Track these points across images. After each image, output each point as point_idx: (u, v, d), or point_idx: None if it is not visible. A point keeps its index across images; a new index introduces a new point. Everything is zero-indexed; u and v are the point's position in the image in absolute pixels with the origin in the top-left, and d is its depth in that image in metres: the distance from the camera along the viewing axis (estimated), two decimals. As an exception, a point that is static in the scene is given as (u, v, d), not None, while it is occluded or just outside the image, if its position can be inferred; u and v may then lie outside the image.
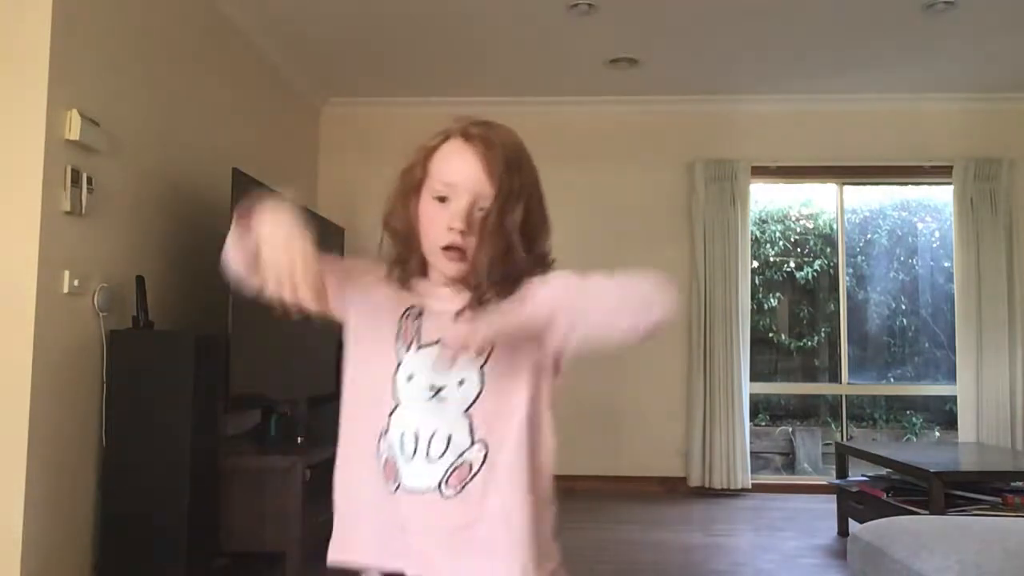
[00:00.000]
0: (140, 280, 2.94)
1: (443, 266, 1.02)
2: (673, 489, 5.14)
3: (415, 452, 0.99)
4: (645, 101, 5.32)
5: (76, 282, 2.69)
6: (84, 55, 2.78)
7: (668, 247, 5.30)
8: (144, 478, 2.73)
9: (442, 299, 1.04)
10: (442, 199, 1.02)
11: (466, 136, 1.04)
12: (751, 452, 5.19)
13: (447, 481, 0.98)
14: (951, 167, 5.19)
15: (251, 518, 3.08)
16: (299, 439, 3.51)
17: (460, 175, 1.01)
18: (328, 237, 4.62)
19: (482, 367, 0.99)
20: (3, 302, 2.52)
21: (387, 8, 4.02)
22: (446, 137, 1.06)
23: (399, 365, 1.02)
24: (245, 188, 3.38)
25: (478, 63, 4.78)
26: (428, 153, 1.06)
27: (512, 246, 1.00)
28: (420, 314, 1.04)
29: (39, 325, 2.53)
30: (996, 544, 2.00)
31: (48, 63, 2.57)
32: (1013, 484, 3.51)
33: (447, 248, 1.00)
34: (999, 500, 3.38)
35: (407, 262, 1.06)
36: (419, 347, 1.02)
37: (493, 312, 0.95)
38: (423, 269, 1.06)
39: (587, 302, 0.95)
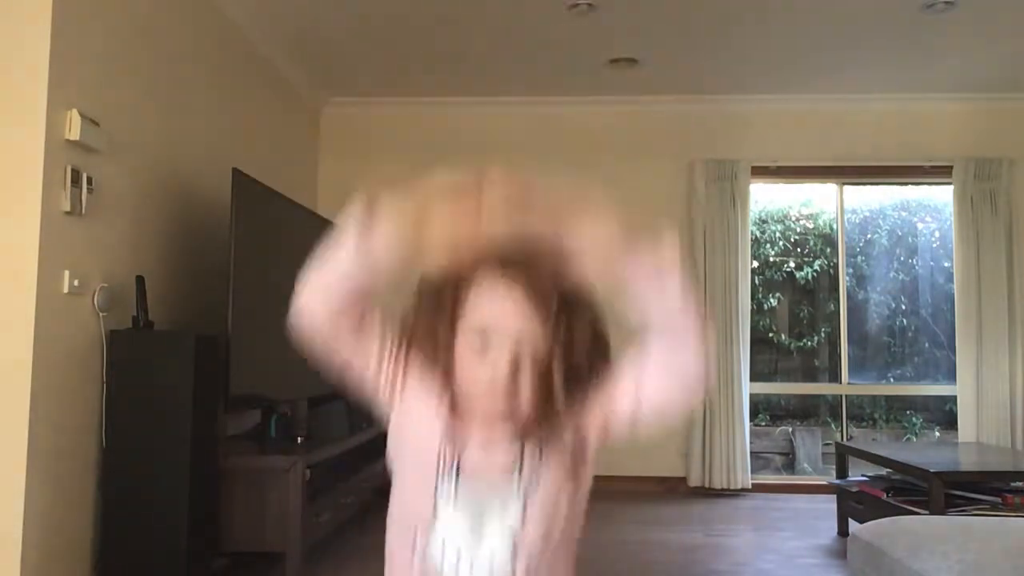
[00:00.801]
0: (140, 280, 2.94)
1: (482, 419, 0.94)
2: (673, 489, 5.14)
3: (457, 573, 0.94)
4: (645, 101, 5.32)
5: (76, 282, 2.69)
6: (84, 55, 2.78)
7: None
8: (144, 478, 2.73)
9: (488, 437, 0.96)
10: (479, 344, 0.90)
11: (503, 266, 0.90)
12: (751, 452, 5.19)
13: None
14: (951, 167, 5.19)
15: (251, 518, 3.08)
16: (299, 439, 3.51)
17: (498, 319, 0.90)
18: (328, 237, 4.63)
19: (524, 496, 0.95)
20: (3, 302, 2.52)
21: (387, 8, 4.02)
22: (478, 265, 0.91)
23: (440, 484, 0.95)
24: (245, 188, 3.38)
25: (478, 63, 4.78)
26: (461, 284, 0.92)
27: (565, 396, 0.92)
28: (459, 459, 0.95)
29: (39, 325, 2.53)
30: (996, 544, 2.00)
31: (48, 63, 2.57)
32: (1013, 484, 3.51)
33: (487, 412, 0.92)
34: (999, 500, 3.38)
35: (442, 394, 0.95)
36: (460, 467, 0.95)
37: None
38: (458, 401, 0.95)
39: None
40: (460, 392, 0.93)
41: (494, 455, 0.95)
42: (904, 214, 6.09)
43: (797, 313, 6.25)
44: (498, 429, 0.94)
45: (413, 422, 0.98)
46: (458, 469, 0.95)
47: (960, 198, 5.17)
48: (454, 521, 0.95)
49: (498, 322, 0.90)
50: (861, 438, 5.98)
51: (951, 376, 5.25)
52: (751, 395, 5.22)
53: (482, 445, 0.96)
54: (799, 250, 6.19)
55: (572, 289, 0.91)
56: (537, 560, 0.95)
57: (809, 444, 6.17)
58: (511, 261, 0.90)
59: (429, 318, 0.94)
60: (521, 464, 0.95)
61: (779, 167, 5.36)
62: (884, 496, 3.59)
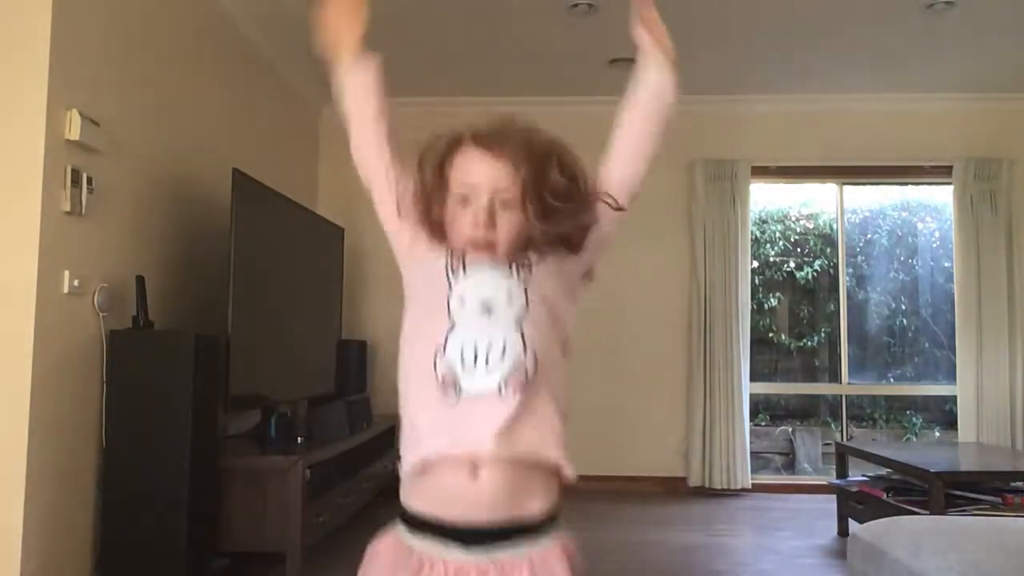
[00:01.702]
0: (140, 280, 2.94)
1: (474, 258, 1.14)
2: (673, 489, 5.14)
3: (475, 362, 1.10)
4: (645, 101, 5.31)
5: (76, 282, 2.69)
6: (84, 55, 2.78)
7: (668, 247, 5.30)
8: (144, 478, 2.73)
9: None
10: (464, 199, 1.13)
11: (476, 139, 1.14)
12: (751, 452, 5.19)
13: (506, 384, 1.09)
14: (951, 167, 5.19)
15: (251, 518, 3.08)
16: (299, 439, 3.51)
17: (477, 175, 1.12)
18: (328, 237, 4.63)
19: (525, 288, 1.13)
20: (3, 302, 2.52)
21: (386, 8, 4.02)
22: (459, 142, 1.16)
23: (451, 292, 1.13)
24: (245, 188, 3.38)
25: (478, 63, 4.78)
26: (445, 155, 1.16)
27: (537, 228, 1.12)
28: (464, 261, 1.15)
29: (39, 325, 2.53)
30: (996, 544, 2.00)
31: (48, 63, 2.57)
32: (1013, 484, 3.51)
33: (474, 243, 1.12)
34: (999, 500, 3.39)
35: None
36: (466, 270, 1.14)
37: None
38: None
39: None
40: (453, 243, 1.15)
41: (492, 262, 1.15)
42: (904, 214, 6.09)
43: (797, 313, 6.25)
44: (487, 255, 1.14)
45: (423, 249, 1.19)
46: (464, 267, 1.14)
47: (960, 198, 5.17)
48: (467, 281, 1.13)
49: (474, 178, 1.13)
50: (861, 438, 5.98)
51: (951, 376, 5.25)
52: (751, 395, 5.22)
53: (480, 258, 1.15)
54: (799, 250, 6.19)
55: (531, 140, 1.14)
56: (543, 340, 1.13)
57: (809, 444, 6.17)
58: (484, 135, 1.15)
59: (425, 188, 1.16)
60: (518, 265, 1.14)
61: (779, 167, 5.36)
62: (884, 496, 3.59)
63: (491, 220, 1.11)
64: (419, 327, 1.17)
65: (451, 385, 1.10)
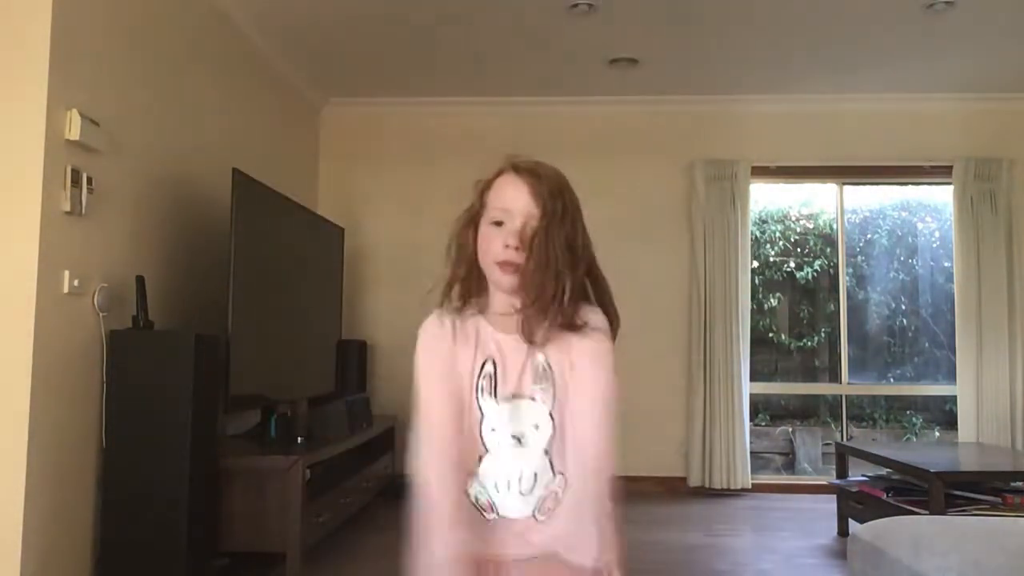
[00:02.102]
0: (140, 280, 2.94)
1: (499, 279, 1.19)
2: (673, 489, 5.14)
3: (509, 489, 1.19)
4: (645, 101, 5.32)
5: (76, 282, 2.70)
6: (84, 55, 2.78)
7: (668, 247, 5.30)
8: (144, 478, 2.73)
9: (502, 334, 1.20)
10: (498, 223, 1.18)
11: (516, 169, 1.21)
12: (751, 452, 5.19)
13: (539, 509, 1.19)
14: (951, 167, 5.19)
15: (251, 518, 3.08)
16: (299, 439, 3.51)
17: (513, 201, 1.18)
18: (328, 237, 4.63)
19: (551, 412, 1.18)
20: (3, 302, 2.52)
21: (387, 8, 4.02)
22: (500, 172, 1.23)
23: (483, 418, 1.19)
24: (245, 188, 3.38)
25: (478, 63, 4.78)
26: (485, 187, 1.23)
27: (558, 259, 1.16)
28: (493, 367, 1.20)
29: (39, 325, 2.53)
30: (996, 544, 2.00)
31: (48, 63, 2.57)
32: (1013, 484, 3.51)
33: (503, 263, 1.17)
34: (999, 500, 3.39)
35: (467, 279, 1.23)
36: (497, 401, 1.19)
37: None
38: (480, 287, 1.23)
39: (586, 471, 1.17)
40: (483, 264, 1.20)
41: (518, 362, 1.18)
42: (904, 214, 6.08)
43: (797, 313, 6.25)
44: (513, 296, 1.18)
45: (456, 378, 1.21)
46: (496, 397, 1.18)
47: (960, 198, 5.17)
48: (499, 411, 1.19)
49: (510, 203, 1.18)
50: (861, 438, 5.97)
51: (951, 376, 5.25)
52: (751, 395, 5.22)
53: (508, 352, 1.19)
54: (799, 250, 6.18)
55: (562, 185, 1.20)
56: (564, 444, 1.18)
57: (809, 444, 6.17)
58: (520, 164, 1.22)
59: (465, 220, 1.23)
60: (539, 376, 1.18)
61: (779, 167, 5.35)
62: (884, 496, 3.59)
63: (522, 243, 1.16)
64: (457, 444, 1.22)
65: (487, 507, 1.19)
